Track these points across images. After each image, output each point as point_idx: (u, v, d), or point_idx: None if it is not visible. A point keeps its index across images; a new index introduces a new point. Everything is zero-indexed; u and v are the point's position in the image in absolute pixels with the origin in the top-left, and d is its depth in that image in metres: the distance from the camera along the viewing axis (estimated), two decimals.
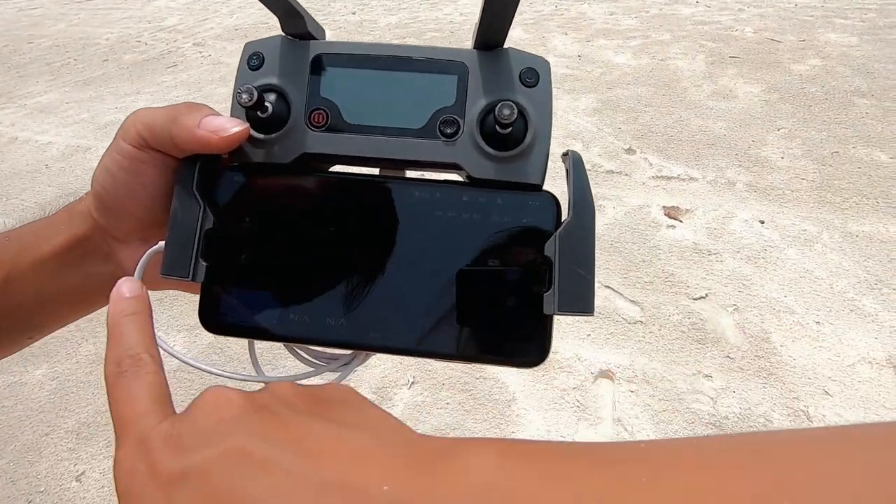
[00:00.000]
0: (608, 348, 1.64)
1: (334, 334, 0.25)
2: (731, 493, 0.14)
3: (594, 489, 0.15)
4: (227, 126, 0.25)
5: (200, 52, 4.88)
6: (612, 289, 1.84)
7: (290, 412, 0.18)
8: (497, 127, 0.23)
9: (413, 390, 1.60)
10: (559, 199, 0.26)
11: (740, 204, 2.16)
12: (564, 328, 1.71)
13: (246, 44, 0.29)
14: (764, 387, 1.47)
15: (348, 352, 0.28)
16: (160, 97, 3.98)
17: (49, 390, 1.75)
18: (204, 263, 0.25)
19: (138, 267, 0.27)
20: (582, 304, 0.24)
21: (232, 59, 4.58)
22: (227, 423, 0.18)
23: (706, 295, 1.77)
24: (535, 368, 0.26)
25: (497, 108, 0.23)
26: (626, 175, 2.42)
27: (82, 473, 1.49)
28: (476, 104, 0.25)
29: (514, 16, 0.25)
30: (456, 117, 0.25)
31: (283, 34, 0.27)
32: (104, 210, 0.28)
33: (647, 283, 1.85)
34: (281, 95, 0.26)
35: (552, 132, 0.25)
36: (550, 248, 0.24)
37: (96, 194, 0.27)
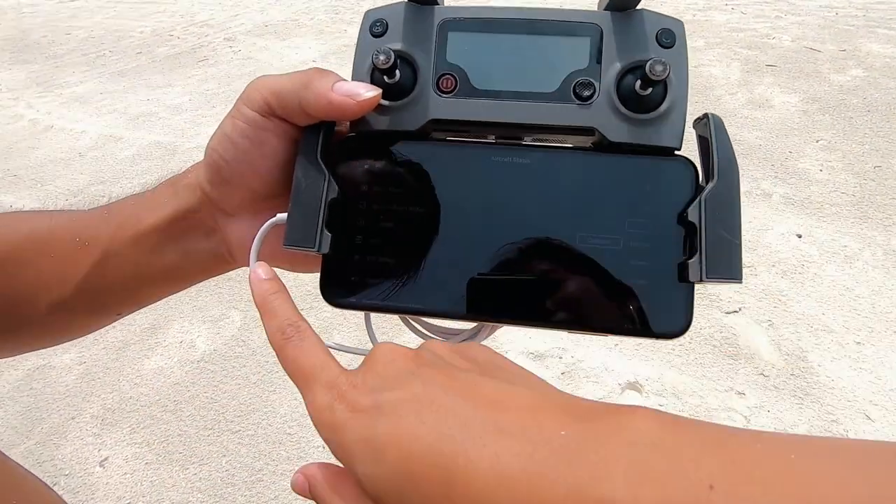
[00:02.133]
0: (636, 360, 1.60)
1: (461, 307, 0.24)
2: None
3: (753, 456, 0.15)
4: (361, 91, 0.23)
5: (231, 46, 4.95)
6: None
7: (454, 368, 0.19)
8: (638, 87, 0.23)
9: None
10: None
11: (776, 216, 2.10)
12: (590, 338, 1.68)
13: (366, 12, 0.27)
14: (800, 407, 1.41)
15: (470, 325, 0.27)
16: (191, 90, 4.04)
17: (76, 374, 1.78)
18: (329, 234, 0.24)
19: (257, 238, 0.26)
20: (731, 269, 0.22)
21: (262, 54, 4.63)
22: (405, 373, 0.19)
23: (739, 309, 1.71)
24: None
25: (648, 65, 0.22)
26: None
27: (106, 459, 1.50)
28: (612, 66, 0.24)
29: None
30: (591, 80, 0.24)
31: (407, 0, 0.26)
32: (219, 180, 0.27)
33: None
34: (407, 61, 0.25)
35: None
36: (694, 212, 0.23)
37: (212, 163, 0.27)
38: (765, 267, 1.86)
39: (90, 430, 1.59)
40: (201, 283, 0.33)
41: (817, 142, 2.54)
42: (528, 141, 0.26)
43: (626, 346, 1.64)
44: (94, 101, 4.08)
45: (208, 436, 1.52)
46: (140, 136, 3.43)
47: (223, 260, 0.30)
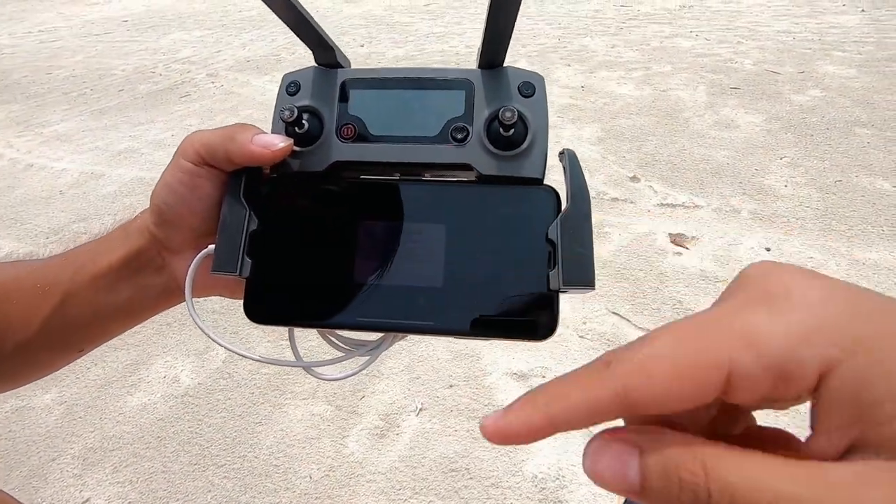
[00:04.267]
0: None
1: (363, 320, 0.28)
2: None
3: None
4: (276, 141, 0.28)
5: (213, 82, 5.02)
6: (619, 315, 1.84)
7: None
8: (501, 130, 0.27)
9: (421, 417, 1.59)
10: (559, 192, 0.29)
11: (746, 231, 2.18)
12: (573, 355, 1.71)
13: (284, 75, 0.32)
14: (789, 426, 1.45)
15: (378, 336, 0.30)
16: (173, 126, 4.08)
17: (57, 415, 1.75)
18: (249, 260, 0.28)
19: (190, 269, 0.30)
20: (585, 278, 0.26)
21: (243, 89, 4.71)
22: None
23: None
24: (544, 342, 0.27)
25: (500, 112, 0.27)
26: (632, 203, 2.45)
27: (87, 500, 1.47)
28: (482, 113, 0.28)
29: (509, 40, 0.28)
30: (465, 125, 0.29)
31: (316, 65, 0.31)
32: (163, 223, 0.31)
33: (655, 310, 1.85)
34: (315, 114, 0.29)
35: (549, 135, 0.29)
36: (553, 231, 0.27)
37: (156, 209, 0.31)
38: None
39: (71, 472, 1.56)
40: (185, 317, 0.36)
41: (781, 159, 2.66)
42: (427, 177, 0.31)
43: None
44: (76, 139, 4.09)
45: (193, 471, 1.50)
46: (122, 172, 3.44)
47: (173, 293, 0.33)
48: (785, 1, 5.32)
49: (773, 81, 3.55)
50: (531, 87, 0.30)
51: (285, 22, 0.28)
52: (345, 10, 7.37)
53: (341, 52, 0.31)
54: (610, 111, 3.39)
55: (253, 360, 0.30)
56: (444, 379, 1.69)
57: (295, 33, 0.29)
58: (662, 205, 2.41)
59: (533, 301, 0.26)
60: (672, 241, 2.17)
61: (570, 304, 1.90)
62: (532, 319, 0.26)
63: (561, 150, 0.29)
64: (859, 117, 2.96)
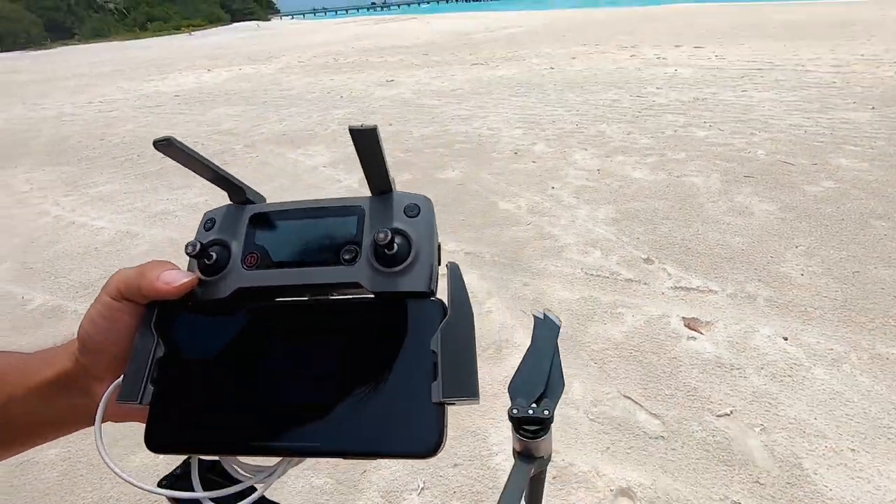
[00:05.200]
0: (628, 464, 1.56)
1: (254, 445, 0.28)
2: None
3: None
4: (178, 278, 0.31)
5: (250, 153, 5.37)
6: (632, 399, 1.80)
7: None
8: (384, 249, 0.28)
9: (423, 497, 1.54)
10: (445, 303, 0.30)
11: (762, 319, 2.15)
12: (583, 438, 1.66)
13: (205, 212, 0.35)
14: None
15: (273, 461, 0.30)
16: (207, 192, 4.33)
17: (59, 471, 1.74)
18: (151, 387, 0.29)
19: (102, 400, 0.32)
20: (466, 389, 0.26)
21: (277, 160, 5.02)
22: None
23: (731, 412, 1.71)
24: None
25: (374, 234, 0.29)
26: (645, 284, 2.46)
27: None
28: (370, 235, 0.30)
29: (386, 169, 0.31)
30: (355, 246, 0.30)
31: (230, 202, 0.34)
32: (86, 352, 0.33)
33: (668, 395, 1.80)
34: (224, 246, 0.32)
35: (434, 251, 0.31)
36: (435, 342, 0.27)
37: (81, 339, 0.33)
38: (754, 369, 1.88)
39: None
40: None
41: (797, 247, 2.67)
42: (334, 296, 0.33)
43: (618, 448, 1.62)
44: (117, 200, 4.37)
45: None
46: (155, 233, 3.63)
47: (87, 412, 0.34)
48: (796, 97, 5.56)
49: (786, 172, 3.63)
50: (416, 208, 0.32)
51: (202, 176, 0.31)
52: (377, 92, 7.94)
53: (252, 190, 0.34)
54: (625, 194, 3.50)
55: (149, 492, 0.29)
56: (448, 457, 1.65)
57: (212, 183, 0.32)
58: (676, 288, 2.42)
59: (417, 415, 0.26)
60: (686, 326, 2.15)
61: (580, 383, 1.87)
62: (416, 435, 0.26)
63: (447, 262, 0.30)
64: (875, 209, 2.98)
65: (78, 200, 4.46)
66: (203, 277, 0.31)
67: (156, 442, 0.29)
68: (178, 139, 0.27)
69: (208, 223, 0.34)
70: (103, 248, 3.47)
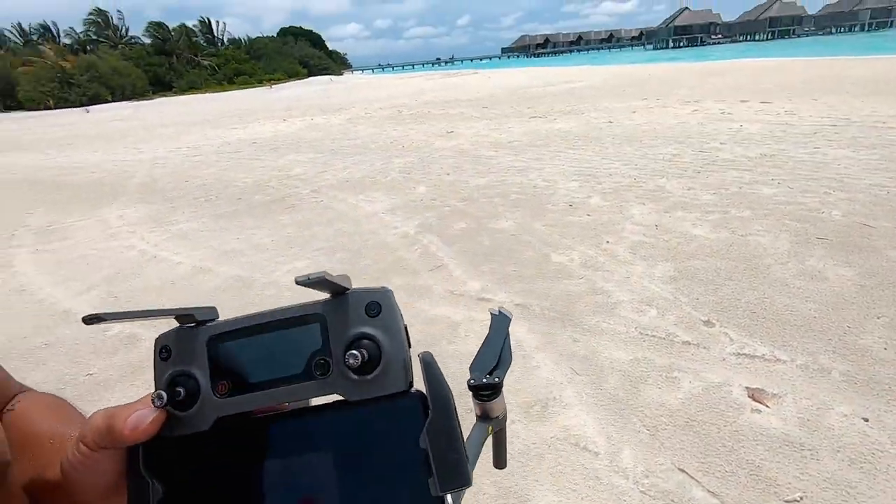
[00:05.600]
0: None
1: None
2: None
3: None
4: (144, 419, 0.29)
5: (315, 197, 5.70)
6: (687, 473, 1.68)
7: None
8: (354, 361, 0.29)
9: None
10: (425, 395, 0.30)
11: (837, 395, 1.97)
12: None
13: (156, 338, 0.33)
14: None
15: None
16: (275, 233, 4.62)
17: None
18: None
19: None
20: (459, 480, 0.28)
21: (339, 205, 5.29)
22: None
23: (801, 498, 1.55)
24: None
25: (345, 357, 0.29)
26: (705, 348, 2.34)
27: None
28: (338, 344, 0.30)
29: (332, 280, 0.30)
30: (326, 358, 0.30)
31: (179, 326, 0.32)
32: (71, 488, 0.32)
33: (728, 472, 1.67)
34: (189, 376, 0.31)
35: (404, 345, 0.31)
36: (423, 441, 0.28)
37: (64, 476, 0.32)
38: (828, 452, 1.71)
39: None
40: None
41: (878, 318, 2.45)
42: (312, 402, 0.33)
43: None
44: (195, 237, 4.74)
45: None
46: (225, 269, 3.88)
47: None
48: (877, 155, 5.24)
49: (866, 235, 3.39)
50: (376, 306, 0.31)
51: (147, 319, 0.30)
52: (437, 143, 8.28)
53: (200, 309, 0.32)
54: (684, 251, 3.38)
55: None
56: None
57: (158, 319, 0.30)
58: (739, 355, 2.27)
59: None
60: (750, 397, 2.01)
61: (631, 450, 1.77)
62: None
63: (420, 352, 0.30)
64: None
65: (161, 236, 4.87)
66: (177, 413, 0.31)
67: None
68: (108, 312, 0.28)
69: (163, 352, 0.32)
70: (179, 282, 3.74)
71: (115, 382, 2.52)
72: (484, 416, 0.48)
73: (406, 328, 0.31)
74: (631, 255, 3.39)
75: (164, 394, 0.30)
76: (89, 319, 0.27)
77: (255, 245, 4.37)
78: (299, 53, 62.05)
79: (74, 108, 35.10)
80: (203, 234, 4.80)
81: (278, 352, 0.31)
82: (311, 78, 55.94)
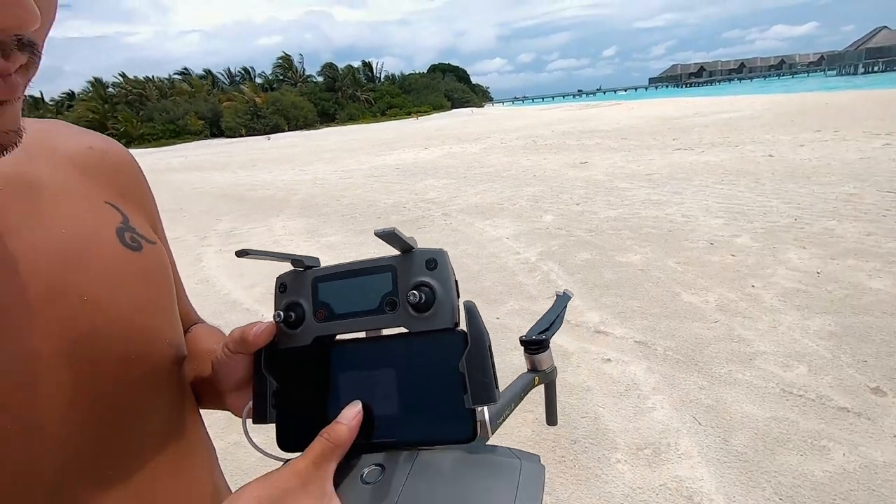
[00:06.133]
0: None
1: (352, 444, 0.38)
2: None
3: None
4: (264, 331, 0.40)
5: (445, 220, 6.02)
6: None
7: None
8: (416, 301, 0.37)
9: None
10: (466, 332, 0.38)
11: None
12: None
13: (277, 277, 0.44)
14: None
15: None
16: None
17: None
18: (274, 410, 0.41)
19: (243, 420, 0.44)
20: (487, 397, 0.35)
21: (467, 228, 5.52)
22: None
23: None
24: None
25: (408, 298, 0.37)
26: (869, 420, 1.97)
27: None
28: (404, 288, 0.39)
29: (404, 238, 0.38)
30: (394, 298, 0.39)
31: (293, 268, 0.43)
32: (216, 377, 0.46)
33: None
34: (298, 305, 0.42)
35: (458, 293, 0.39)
36: (462, 366, 0.36)
37: (213, 370, 0.45)
38: None
39: None
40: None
41: None
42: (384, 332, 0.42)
43: None
44: (339, 248, 5.31)
45: None
46: None
47: (223, 405, 0.47)
48: None
49: None
50: (434, 262, 0.39)
51: (277, 260, 0.41)
52: (569, 173, 8.18)
53: (309, 257, 0.43)
54: (853, 305, 2.88)
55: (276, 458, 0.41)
56: None
57: (282, 261, 0.41)
58: None
59: (458, 417, 0.36)
60: None
61: None
62: (459, 429, 0.36)
63: (464, 301, 0.38)
64: None
65: (313, 245, 5.55)
66: (287, 331, 0.41)
67: (283, 445, 0.41)
68: (253, 249, 0.39)
69: (282, 287, 0.43)
70: None
71: None
72: (532, 368, 0.57)
73: (456, 281, 0.39)
74: (781, 303, 2.99)
75: (281, 314, 0.41)
76: (240, 253, 0.38)
77: None
78: (445, 87, 66.29)
79: (260, 136, 41.77)
80: (346, 246, 5.36)
81: (360, 292, 0.40)
82: (453, 110, 59.25)
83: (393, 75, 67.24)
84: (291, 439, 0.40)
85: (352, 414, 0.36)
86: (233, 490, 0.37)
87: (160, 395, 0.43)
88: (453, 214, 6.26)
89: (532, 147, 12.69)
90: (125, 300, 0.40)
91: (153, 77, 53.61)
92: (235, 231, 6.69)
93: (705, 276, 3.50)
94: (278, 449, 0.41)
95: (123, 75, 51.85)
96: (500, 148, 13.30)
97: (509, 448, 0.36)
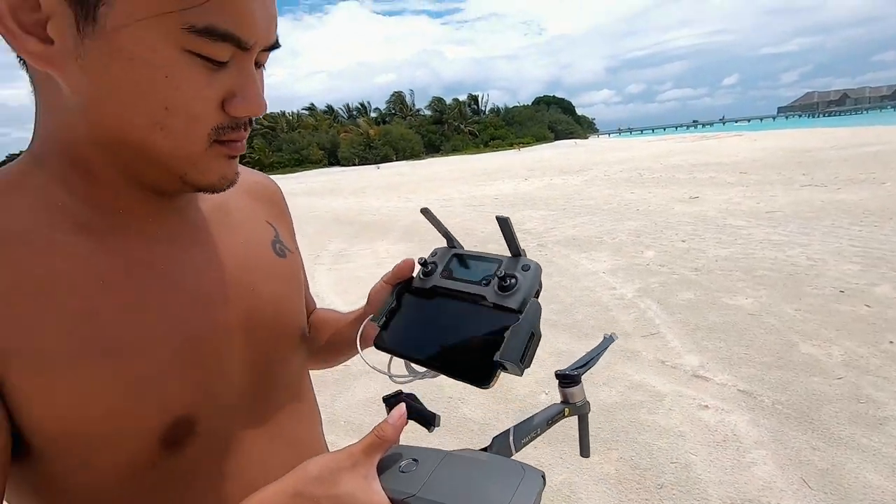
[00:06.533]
0: None
1: (420, 359, 0.53)
2: None
3: None
4: (409, 266, 0.59)
5: (540, 251, 6.02)
6: None
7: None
8: (503, 283, 0.50)
9: None
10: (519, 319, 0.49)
11: None
12: None
13: (434, 248, 0.60)
14: None
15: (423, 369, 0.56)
16: None
17: None
18: (384, 318, 0.57)
19: (363, 324, 0.60)
20: (511, 358, 0.45)
21: (562, 260, 5.47)
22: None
23: None
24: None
25: (500, 280, 0.51)
26: None
27: None
28: (500, 274, 0.51)
29: (515, 239, 0.51)
30: (491, 278, 0.52)
31: (446, 246, 0.60)
32: (369, 303, 0.62)
33: None
34: (435, 264, 0.58)
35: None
36: (507, 334, 0.47)
37: (369, 297, 0.63)
38: None
39: None
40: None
41: None
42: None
43: None
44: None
45: None
46: None
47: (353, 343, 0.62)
48: None
49: None
50: (528, 267, 0.51)
51: (439, 232, 0.57)
52: (676, 208, 7.76)
53: (456, 240, 0.59)
54: None
55: (382, 372, 0.57)
56: None
57: (442, 235, 0.58)
58: None
59: (486, 366, 0.47)
60: None
61: None
62: (482, 375, 0.47)
63: (536, 299, 0.50)
64: None
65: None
66: (421, 277, 0.58)
67: (379, 346, 0.56)
68: (433, 214, 0.56)
69: (433, 254, 0.60)
70: None
71: (347, 378, 3.17)
72: (563, 400, 0.63)
73: (540, 285, 0.53)
74: None
75: (423, 259, 0.59)
76: (423, 210, 0.58)
77: None
78: (549, 119, 66.26)
79: (370, 165, 44.86)
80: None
81: (475, 268, 0.56)
82: (556, 142, 58.84)
83: (497, 107, 68.81)
84: (385, 343, 0.56)
85: (397, 415, 0.43)
86: (329, 449, 0.50)
87: (290, 361, 0.57)
88: (549, 246, 6.25)
89: (637, 180, 12.22)
90: (275, 292, 0.55)
91: (284, 112, 60.40)
92: (344, 252, 7.26)
93: (831, 327, 3.15)
94: (368, 355, 0.57)
95: None
96: (603, 180, 12.98)
97: (521, 462, 0.44)
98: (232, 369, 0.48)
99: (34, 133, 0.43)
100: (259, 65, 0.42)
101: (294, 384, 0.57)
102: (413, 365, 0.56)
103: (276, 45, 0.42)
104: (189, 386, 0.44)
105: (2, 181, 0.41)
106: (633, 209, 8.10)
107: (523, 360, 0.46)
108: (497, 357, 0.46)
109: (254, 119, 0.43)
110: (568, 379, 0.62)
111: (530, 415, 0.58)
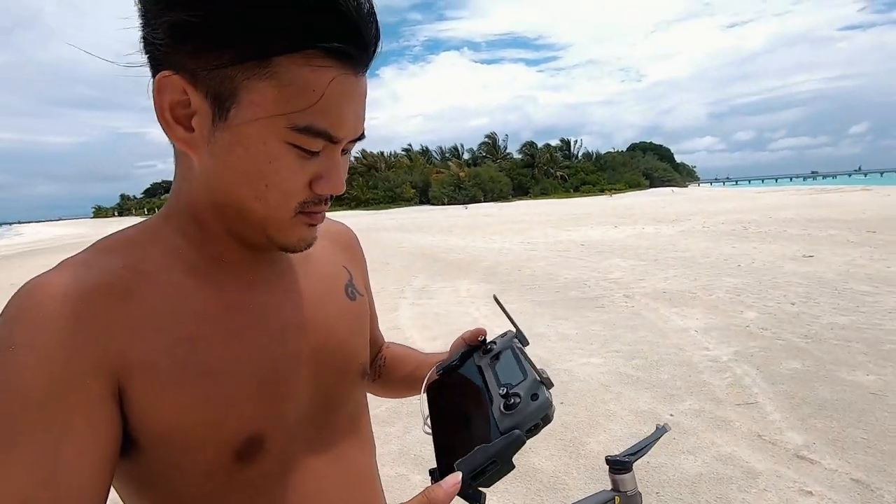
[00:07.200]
0: None
1: (433, 416, 0.57)
2: None
3: None
4: (478, 329, 0.65)
5: (626, 302, 5.75)
6: None
7: None
8: (508, 402, 0.48)
9: None
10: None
11: None
12: None
13: (508, 331, 0.63)
14: None
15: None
16: (580, 327, 4.90)
17: None
18: (441, 371, 0.62)
19: (423, 385, 0.63)
20: (466, 469, 0.43)
21: (650, 314, 5.18)
22: None
23: None
24: None
25: (507, 397, 0.49)
26: None
27: None
28: (514, 389, 0.50)
29: (537, 371, 0.51)
30: (510, 387, 0.50)
31: (516, 334, 0.61)
32: (450, 353, 0.69)
33: None
34: (494, 345, 0.61)
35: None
36: (477, 447, 0.45)
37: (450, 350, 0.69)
38: None
39: None
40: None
41: None
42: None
43: None
44: (516, 317, 5.51)
45: None
46: (530, 349, 4.38)
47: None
48: None
49: None
50: (537, 397, 0.48)
51: (505, 315, 0.59)
52: (786, 266, 7.07)
53: (521, 333, 0.60)
54: None
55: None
56: None
57: (510, 324, 0.59)
58: None
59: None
60: None
61: None
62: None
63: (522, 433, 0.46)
64: None
65: (490, 310, 5.87)
66: (482, 353, 0.60)
67: (428, 391, 0.60)
68: (501, 302, 0.58)
69: (502, 335, 0.62)
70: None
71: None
72: (614, 488, 0.60)
73: (547, 419, 0.47)
74: None
75: (486, 338, 0.63)
76: (495, 298, 0.63)
77: (560, 333, 4.76)
78: (644, 166, 63.98)
79: (459, 206, 46.01)
80: (520, 316, 5.53)
81: (510, 371, 0.54)
82: (651, 189, 56.47)
83: (589, 152, 67.90)
84: (431, 390, 0.60)
85: (451, 482, 0.43)
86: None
87: (352, 393, 0.61)
88: (637, 297, 5.96)
89: (740, 233, 11.34)
90: (344, 330, 0.60)
91: (383, 153, 64.42)
92: (427, 288, 7.46)
93: None
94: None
95: (363, 150, 63.71)
96: (701, 232, 12.20)
97: None
98: (300, 396, 0.54)
99: (169, 196, 0.54)
100: (345, 151, 0.51)
101: (353, 414, 0.62)
102: (429, 421, 0.57)
103: (361, 137, 0.50)
104: (263, 407, 0.50)
105: (146, 233, 0.51)
106: (734, 264, 7.51)
107: (475, 479, 0.43)
108: (455, 463, 0.44)
109: (334, 195, 0.51)
110: (619, 465, 0.60)
111: (578, 499, 0.57)
